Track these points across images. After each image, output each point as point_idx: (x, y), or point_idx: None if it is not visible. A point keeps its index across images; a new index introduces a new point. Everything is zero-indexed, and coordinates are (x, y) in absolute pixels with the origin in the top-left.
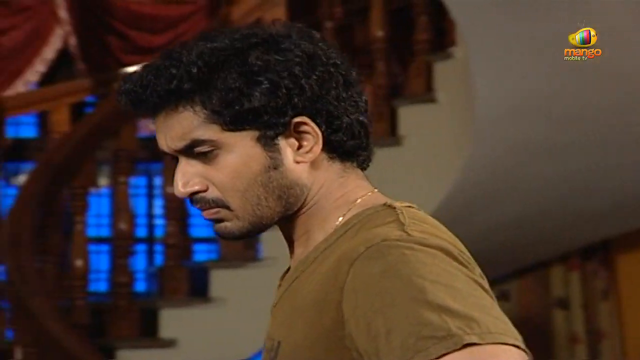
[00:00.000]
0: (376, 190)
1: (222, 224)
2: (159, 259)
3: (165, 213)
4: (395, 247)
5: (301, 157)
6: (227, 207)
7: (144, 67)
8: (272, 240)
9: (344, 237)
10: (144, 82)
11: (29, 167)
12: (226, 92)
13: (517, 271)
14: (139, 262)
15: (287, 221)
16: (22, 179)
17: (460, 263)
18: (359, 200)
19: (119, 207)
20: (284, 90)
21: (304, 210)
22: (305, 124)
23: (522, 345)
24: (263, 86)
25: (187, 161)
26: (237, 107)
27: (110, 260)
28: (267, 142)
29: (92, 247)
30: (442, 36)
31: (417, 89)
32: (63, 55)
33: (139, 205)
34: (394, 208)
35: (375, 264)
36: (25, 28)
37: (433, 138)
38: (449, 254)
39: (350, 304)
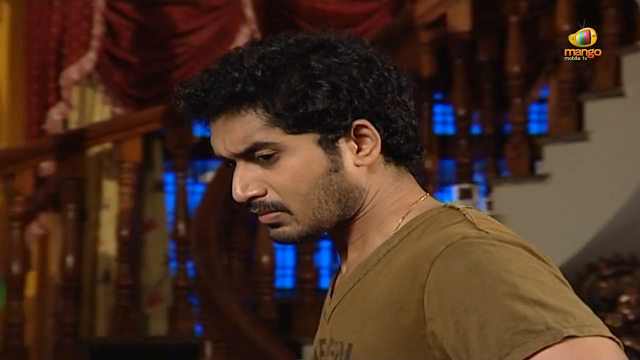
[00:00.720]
0: (428, 194)
1: (280, 229)
2: None
3: None
4: (477, 244)
5: (361, 160)
6: (287, 211)
7: (203, 72)
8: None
9: (408, 239)
10: (206, 85)
11: (215, 164)
12: (290, 95)
13: None
14: (324, 258)
15: (343, 225)
16: (209, 176)
17: (540, 259)
18: (415, 204)
19: None
20: (345, 93)
21: (361, 214)
22: (365, 127)
23: (616, 338)
24: (324, 89)
25: (246, 165)
26: (300, 110)
27: (296, 256)
28: (328, 145)
29: (278, 244)
30: (631, 29)
31: (605, 82)
32: None
33: None
34: (458, 209)
35: (460, 261)
36: (213, 27)
37: (621, 133)
38: (529, 250)
39: (435, 302)
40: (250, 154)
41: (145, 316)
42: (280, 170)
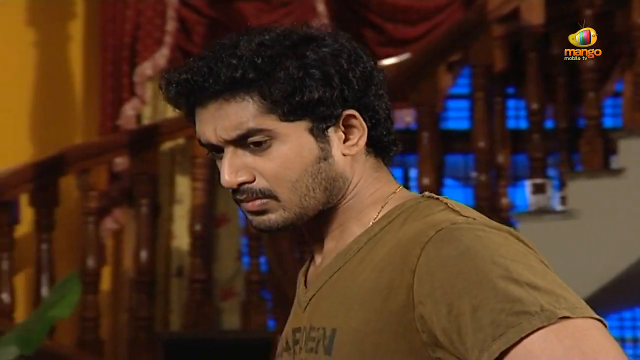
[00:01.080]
0: (402, 186)
1: (266, 216)
2: None
3: None
4: (467, 229)
5: (348, 150)
6: (275, 198)
7: (196, 59)
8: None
9: (389, 228)
10: (203, 71)
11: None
12: (287, 83)
13: None
14: None
15: (322, 214)
16: None
17: (526, 245)
18: (393, 194)
19: None
20: (337, 82)
21: (342, 203)
22: (354, 117)
23: (604, 320)
24: (319, 78)
25: (235, 152)
26: (297, 98)
27: None
28: (319, 133)
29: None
30: None
31: None
32: None
33: None
34: (437, 198)
35: (451, 245)
36: (284, 23)
37: None
38: (515, 236)
39: (426, 285)
40: (242, 141)
41: (219, 310)
42: (272, 157)
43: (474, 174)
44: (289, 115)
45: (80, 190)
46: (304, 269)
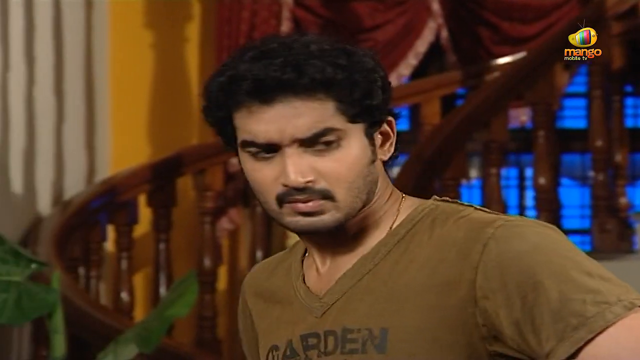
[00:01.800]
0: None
1: (318, 217)
2: None
3: (537, 204)
4: (525, 226)
5: (383, 155)
6: (332, 199)
7: (266, 55)
8: None
9: (417, 229)
10: (287, 69)
11: (400, 159)
12: (364, 86)
13: None
14: None
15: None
16: (395, 170)
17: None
18: (402, 199)
19: (490, 198)
20: (387, 89)
21: (366, 207)
22: (391, 123)
23: None
24: (379, 83)
25: (297, 152)
26: (367, 102)
27: None
28: (370, 137)
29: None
30: None
31: None
32: (433, 48)
33: (510, 196)
34: (456, 202)
35: (517, 241)
36: (398, 22)
37: None
38: (560, 233)
39: (494, 280)
40: (314, 140)
41: None
42: (337, 158)
43: (591, 174)
44: (356, 117)
45: (197, 190)
46: (293, 275)
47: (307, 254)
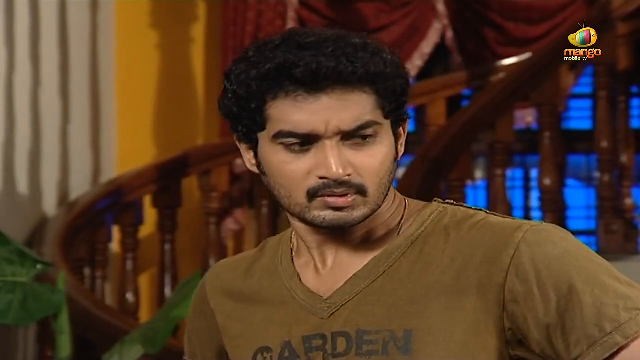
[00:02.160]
0: None
1: (348, 212)
2: None
3: (542, 205)
4: (551, 231)
5: (398, 153)
6: (364, 194)
7: (331, 45)
8: None
9: (429, 231)
10: (342, 59)
11: (406, 160)
12: (402, 81)
13: None
14: None
15: None
16: (399, 172)
17: None
18: (405, 200)
19: (496, 199)
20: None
21: (380, 207)
22: (406, 122)
23: None
24: (406, 80)
25: (337, 145)
26: (403, 98)
27: None
28: (395, 134)
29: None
30: None
31: None
32: (439, 49)
33: (515, 197)
34: (460, 205)
35: (548, 246)
36: (404, 23)
37: None
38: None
39: (525, 284)
40: (355, 133)
41: None
42: (372, 153)
43: (596, 175)
44: (391, 113)
45: (202, 191)
46: (285, 275)
47: (295, 254)
